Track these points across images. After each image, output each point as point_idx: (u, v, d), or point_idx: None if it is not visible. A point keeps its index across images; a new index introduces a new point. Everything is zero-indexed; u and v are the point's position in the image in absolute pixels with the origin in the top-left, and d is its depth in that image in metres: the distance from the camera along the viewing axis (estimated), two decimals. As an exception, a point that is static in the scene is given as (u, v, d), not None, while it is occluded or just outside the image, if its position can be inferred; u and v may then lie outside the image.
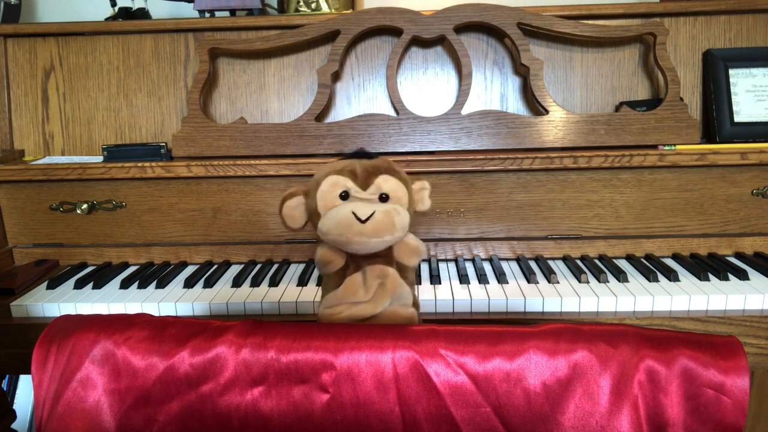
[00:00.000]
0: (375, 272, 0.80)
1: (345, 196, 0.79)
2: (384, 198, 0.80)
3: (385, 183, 0.80)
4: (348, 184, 0.79)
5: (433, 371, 0.67)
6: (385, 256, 0.82)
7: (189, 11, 1.53)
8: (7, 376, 1.60)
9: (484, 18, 1.23)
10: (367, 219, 0.76)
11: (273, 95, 1.34)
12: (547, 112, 1.22)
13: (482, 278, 1.11)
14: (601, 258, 1.21)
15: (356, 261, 0.82)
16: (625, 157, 1.16)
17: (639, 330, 0.69)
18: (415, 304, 0.85)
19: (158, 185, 1.24)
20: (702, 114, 1.30)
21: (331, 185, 0.79)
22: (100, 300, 1.08)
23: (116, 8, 1.49)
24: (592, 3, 1.29)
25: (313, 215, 0.81)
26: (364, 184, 0.80)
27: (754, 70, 1.26)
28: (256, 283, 1.13)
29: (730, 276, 1.09)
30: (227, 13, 1.38)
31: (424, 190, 0.85)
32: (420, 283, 1.12)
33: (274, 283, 1.13)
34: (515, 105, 1.32)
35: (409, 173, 0.85)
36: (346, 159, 0.84)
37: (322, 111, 1.26)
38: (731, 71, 1.26)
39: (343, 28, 1.24)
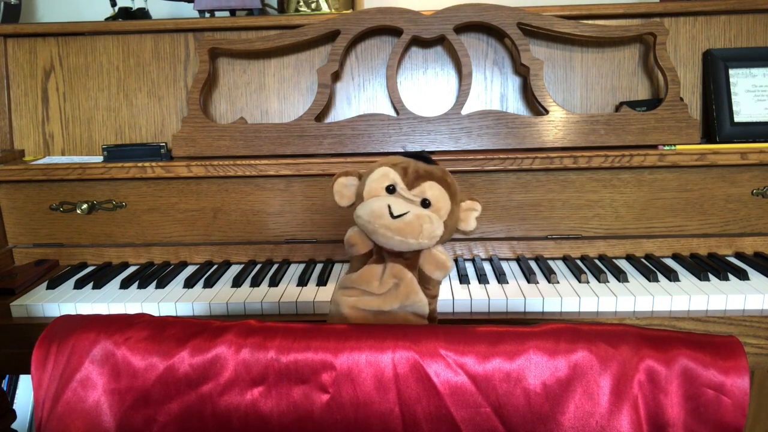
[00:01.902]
0: (393, 270, 0.81)
1: (392, 190, 0.81)
2: (425, 203, 0.80)
3: (431, 189, 0.80)
4: (397, 179, 0.81)
5: (433, 371, 0.67)
6: (409, 260, 0.82)
7: (189, 11, 1.53)
8: (7, 376, 1.60)
9: (484, 18, 1.23)
10: (399, 216, 0.77)
11: (273, 95, 1.34)
12: (547, 112, 1.22)
13: (482, 278, 1.11)
14: (601, 258, 1.21)
15: (381, 253, 0.83)
16: (625, 157, 1.16)
17: (639, 330, 0.69)
18: (433, 317, 0.85)
19: (158, 185, 1.24)
20: (702, 114, 1.30)
21: (381, 176, 0.81)
22: (100, 300, 1.08)
23: (116, 8, 1.49)
24: (592, 3, 1.29)
25: (358, 199, 0.83)
26: (412, 185, 0.81)
27: (754, 70, 1.26)
28: (256, 283, 1.13)
29: (730, 276, 1.09)
30: (227, 13, 1.38)
31: (472, 211, 0.85)
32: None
33: (274, 283, 1.13)
34: (515, 105, 1.32)
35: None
36: (407, 157, 0.85)
37: (322, 111, 1.26)
38: (731, 71, 1.26)
39: (343, 28, 1.24)
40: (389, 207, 0.77)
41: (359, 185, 0.83)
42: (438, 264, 0.83)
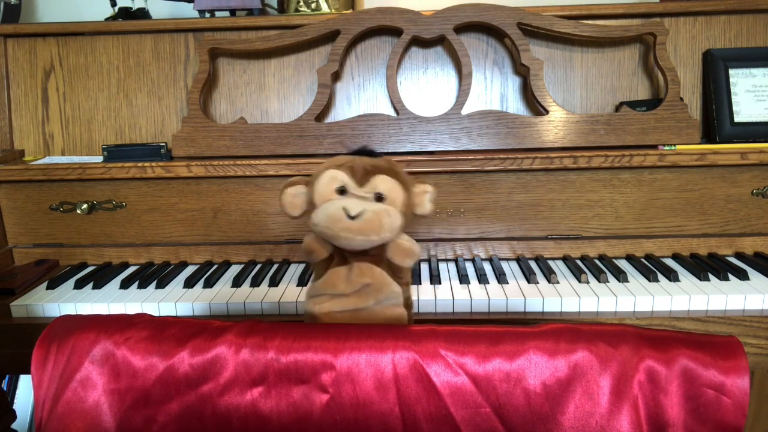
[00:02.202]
0: (362, 269, 0.80)
1: (342, 191, 0.80)
2: (379, 198, 0.80)
3: (382, 183, 0.80)
4: (345, 179, 0.80)
5: (433, 371, 0.67)
6: (375, 255, 0.82)
7: (189, 11, 1.53)
8: (7, 376, 1.60)
9: (484, 18, 1.23)
10: (357, 216, 0.77)
11: (273, 95, 1.34)
12: (547, 112, 1.22)
13: (482, 278, 1.11)
14: (601, 258, 1.21)
15: (343, 255, 0.82)
16: (625, 157, 1.16)
17: (639, 330, 0.69)
18: (408, 304, 0.85)
19: (158, 185, 1.24)
20: (702, 114, 1.30)
21: (329, 179, 0.80)
22: (100, 300, 1.08)
23: (116, 8, 1.49)
24: (592, 3, 1.29)
25: (311, 206, 0.82)
26: (362, 182, 0.80)
27: (754, 70, 1.26)
28: (256, 283, 1.13)
29: (730, 276, 1.09)
30: (227, 13, 1.38)
31: (426, 194, 0.85)
32: (420, 283, 1.12)
33: (274, 283, 1.13)
34: (515, 105, 1.32)
35: (409, 173, 0.85)
36: (350, 155, 0.84)
37: (322, 111, 1.26)
38: (731, 71, 1.26)
39: (343, 28, 1.24)
40: (345, 209, 0.77)
41: (308, 192, 0.83)
42: (405, 252, 0.82)
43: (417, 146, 1.24)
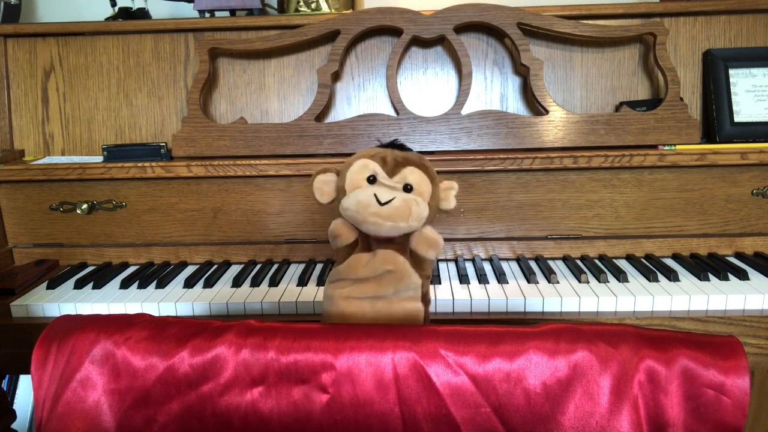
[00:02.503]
0: (385, 256, 0.82)
1: (372, 180, 0.83)
2: (408, 188, 0.83)
3: (411, 174, 0.83)
4: (377, 169, 0.83)
5: (433, 371, 0.67)
6: (400, 244, 0.84)
7: (189, 11, 1.53)
8: (7, 376, 1.60)
9: (484, 18, 1.23)
10: (386, 203, 0.79)
11: (273, 95, 1.34)
12: (547, 112, 1.22)
13: (482, 278, 1.11)
14: (601, 258, 1.21)
15: (368, 242, 0.85)
16: (625, 157, 1.16)
17: (639, 330, 0.69)
18: (426, 299, 0.86)
19: (158, 185, 1.24)
20: (702, 114, 1.30)
21: (361, 167, 0.83)
22: (100, 300, 1.08)
23: (116, 8, 1.49)
24: (592, 3, 1.29)
25: (340, 192, 0.85)
26: (392, 172, 0.83)
27: (754, 70, 1.26)
28: (256, 283, 1.13)
29: (730, 276, 1.09)
30: (227, 13, 1.38)
31: (451, 189, 0.88)
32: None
33: (274, 283, 1.13)
34: (515, 105, 1.32)
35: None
36: (382, 147, 0.87)
37: (322, 111, 1.26)
38: (731, 71, 1.26)
39: (343, 28, 1.24)
40: (375, 195, 0.80)
41: (338, 180, 0.86)
42: (430, 243, 0.84)
43: (417, 146, 1.24)
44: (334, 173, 0.87)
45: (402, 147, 0.88)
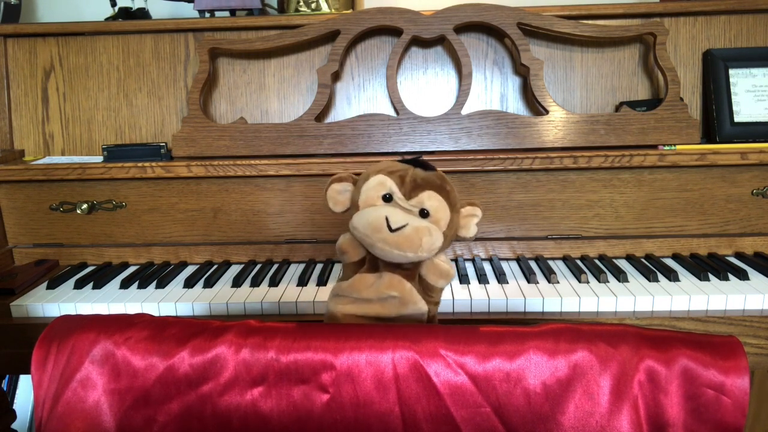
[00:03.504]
0: (392, 281, 0.79)
1: (388, 198, 0.78)
2: (425, 213, 0.78)
3: (429, 200, 0.78)
4: (393, 188, 0.78)
5: (433, 371, 0.67)
6: (408, 270, 0.80)
7: (189, 11, 1.53)
8: (7, 376, 1.60)
9: (484, 18, 1.23)
10: (397, 229, 0.75)
11: (273, 95, 1.34)
12: (547, 112, 1.22)
13: (482, 278, 1.11)
14: (601, 258, 1.21)
15: (375, 262, 0.81)
16: (625, 157, 1.16)
17: (639, 330, 0.69)
18: (433, 323, 0.84)
19: (158, 185, 1.24)
20: (702, 114, 1.30)
21: (378, 184, 0.79)
22: (100, 300, 1.08)
23: (116, 8, 1.49)
24: (592, 3, 1.29)
25: (354, 206, 0.81)
26: (409, 194, 0.78)
27: (754, 70, 1.26)
28: (256, 283, 1.13)
29: (730, 276, 1.09)
30: (227, 13, 1.38)
31: (473, 217, 0.83)
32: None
33: (274, 283, 1.13)
34: (515, 105, 1.32)
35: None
36: (404, 162, 0.82)
37: (322, 111, 1.26)
38: (731, 71, 1.26)
39: (343, 28, 1.24)
40: (387, 219, 0.75)
41: (354, 191, 0.81)
42: (441, 273, 0.82)
43: (417, 146, 1.24)
44: (350, 182, 0.82)
45: (425, 165, 0.81)
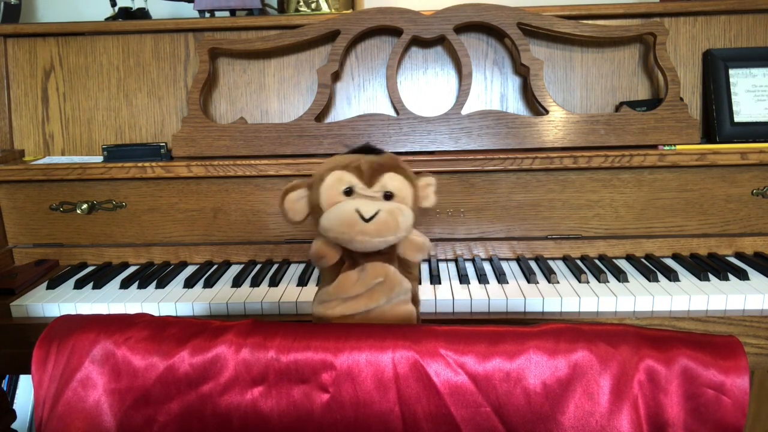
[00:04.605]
0: (375, 269, 0.79)
1: (349, 192, 0.78)
2: (389, 196, 0.79)
3: (391, 181, 0.78)
4: (353, 180, 0.78)
5: (433, 371, 0.67)
6: (386, 254, 0.81)
7: (189, 11, 1.53)
8: (7, 376, 1.60)
9: (484, 18, 1.23)
10: (371, 218, 0.75)
11: (273, 95, 1.34)
12: (547, 112, 1.22)
13: (482, 278, 1.11)
14: (601, 258, 1.21)
15: (353, 257, 0.81)
16: (625, 157, 1.16)
17: (639, 330, 0.69)
18: (415, 300, 0.85)
19: (158, 185, 1.24)
20: (702, 114, 1.30)
21: (336, 181, 0.78)
22: (100, 300, 1.08)
23: (116, 8, 1.49)
24: (592, 3, 1.29)
25: (315, 210, 0.79)
26: (370, 182, 0.78)
27: (754, 70, 1.26)
28: (256, 283, 1.13)
29: (730, 276, 1.09)
30: (227, 13, 1.38)
31: (429, 186, 0.84)
32: (420, 283, 1.12)
33: (274, 283, 1.13)
34: (515, 105, 1.32)
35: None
36: (352, 153, 0.82)
37: (322, 111, 1.26)
38: (731, 71, 1.26)
39: (343, 28, 1.24)
40: (358, 211, 0.75)
41: (310, 195, 0.80)
42: (418, 247, 0.82)
43: (417, 146, 1.24)
44: (304, 188, 0.81)
45: (373, 150, 0.82)
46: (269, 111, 1.34)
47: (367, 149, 0.83)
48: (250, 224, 1.25)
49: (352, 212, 0.75)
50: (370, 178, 0.78)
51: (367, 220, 0.75)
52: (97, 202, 1.26)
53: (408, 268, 0.84)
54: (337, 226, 0.76)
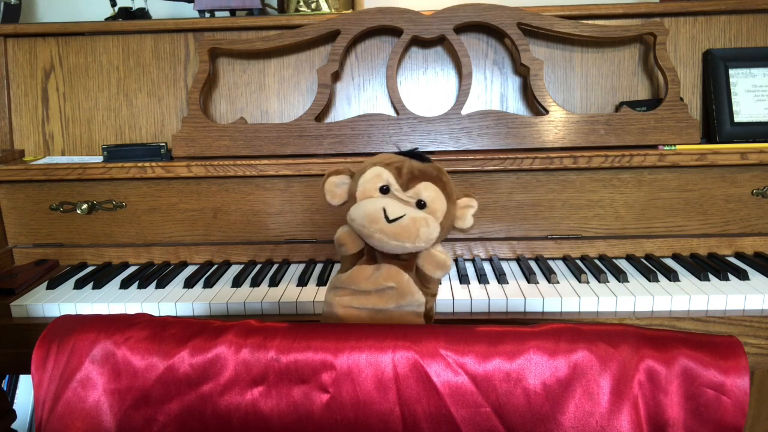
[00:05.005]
0: (389, 273, 0.79)
1: (385, 190, 0.79)
2: (421, 204, 0.79)
3: (426, 190, 0.79)
4: (391, 180, 0.79)
5: (433, 371, 0.67)
6: (406, 261, 0.81)
7: (189, 11, 1.53)
8: (7, 376, 1.60)
9: (484, 18, 1.23)
10: (395, 220, 0.75)
11: (273, 95, 1.34)
12: (547, 112, 1.22)
13: (482, 278, 1.11)
14: (601, 258, 1.21)
15: (373, 254, 0.82)
16: (625, 157, 1.16)
17: (639, 330, 0.69)
18: (429, 315, 0.85)
19: (158, 185, 1.24)
20: (702, 114, 1.30)
21: (374, 176, 0.79)
22: (100, 300, 1.08)
23: (116, 8, 1.49)
24: (592, 3, 1.29)
25: (351, 199, 0.81)
26: (406, 185, 0.79)
27: (754, 70, 1.26)
28: (256, 283, 1.13)
29: (730, 276, 1.09)
30: (227, 13, 1.38)
31: (469, 208, 0.84)
32: (420, 283, 1.12)
33: (274, 283, 1.13)
34: (515, 105, 1.32)
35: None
36: (401, 154, 0.83)
37: (322, 111, 1.26)
38: (731, 71, 1.26)
39: (343, 28, 1.24)
40: (384, 210, 0.76)
41: (351, 184, 0.82)
42: (438, 264, 0.82)
43: (417, 146, 1.24)
44: (347, 175, 0.83)
45: (421, 157, 0.82)
46: (269, 111, 1.34)
47: (417, 155, 0.83)
48: (250, 224, 1.25)
49: (378, 209, 0.76)
50: (407, 182, 0.79)
51: (390, 221, 0.75)
52: (97, 202, 1.26)
53: (426, 283, 0.83)
54: (361, 219, 0.77)
